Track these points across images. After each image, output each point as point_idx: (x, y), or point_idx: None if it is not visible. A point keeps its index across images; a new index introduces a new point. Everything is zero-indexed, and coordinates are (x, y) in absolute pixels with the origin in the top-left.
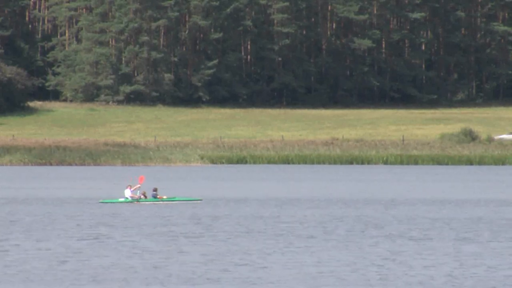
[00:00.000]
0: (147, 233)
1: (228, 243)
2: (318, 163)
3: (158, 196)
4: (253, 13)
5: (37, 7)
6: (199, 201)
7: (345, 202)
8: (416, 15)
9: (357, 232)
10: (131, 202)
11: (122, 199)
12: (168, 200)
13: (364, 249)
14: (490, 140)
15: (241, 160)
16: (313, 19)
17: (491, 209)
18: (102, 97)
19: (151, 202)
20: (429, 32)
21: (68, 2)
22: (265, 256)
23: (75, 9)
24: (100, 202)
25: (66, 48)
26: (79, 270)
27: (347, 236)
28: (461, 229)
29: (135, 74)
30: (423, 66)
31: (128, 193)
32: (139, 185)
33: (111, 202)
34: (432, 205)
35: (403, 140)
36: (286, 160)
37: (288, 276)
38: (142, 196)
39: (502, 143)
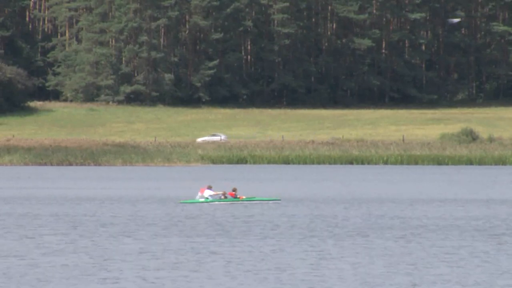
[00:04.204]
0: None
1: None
2: (318, 163)
3: (237, 196)
4: (253, 13)
5: (37, 7)
6: (278, 201)
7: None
8: (416, 15)
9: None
10: (211, 202)
11: (201, 199)
12: (247, 200)
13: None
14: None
15: (241, 160)
16: (313, 19)
17: (485, 209)
18: (102, 97)
19: (231, 202)
20: (429, 32)
21: (68, 2)
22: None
23: (75, 9)
24: (180, 202)
25: (66, 48)
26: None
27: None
28: (411, 228)
29: (135, 74)
30: (423, 66)
31: (207, 193)
32: (215, 193)
33: (192, 202)
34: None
35: (403, 140)
36: (286, 160)
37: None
38: (222, 197)
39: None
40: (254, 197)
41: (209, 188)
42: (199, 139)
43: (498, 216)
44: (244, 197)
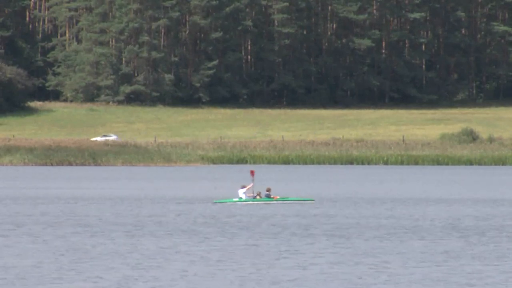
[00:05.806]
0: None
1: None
2: (318, 163)
3: (271, 196)
4: (253, 13)
5: (37, 7)
6: (311, 201)
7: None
8: (416, 15)
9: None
10: (245, 202)
11: (236, 199)
12: (281, 200)
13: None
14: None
15: (241, 160)
16: (313, 19)
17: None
18: (102, 97)
19: (265, 202)
20: (429, 32)
21: (68, 2)
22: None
23: (75, 9)
24: (214, 202)
25: (66, 49)
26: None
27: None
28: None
29: (135, 74)
30: (423, 66)
31: (242, 193)
32: (252, 184)
33: (226, 202)
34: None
35: (403, 140)
36: (286, 160)
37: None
38: (257, 196)
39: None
40: (288, 197)
41: (243, 187)
42: (92, 139)
43: (491, 216)
44: (278, 197)
